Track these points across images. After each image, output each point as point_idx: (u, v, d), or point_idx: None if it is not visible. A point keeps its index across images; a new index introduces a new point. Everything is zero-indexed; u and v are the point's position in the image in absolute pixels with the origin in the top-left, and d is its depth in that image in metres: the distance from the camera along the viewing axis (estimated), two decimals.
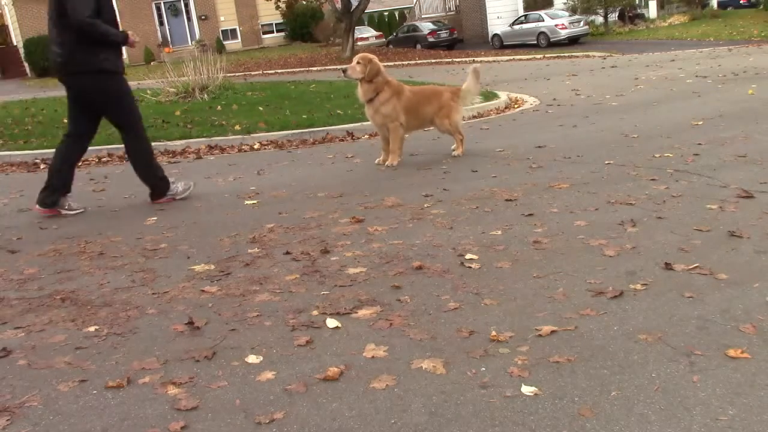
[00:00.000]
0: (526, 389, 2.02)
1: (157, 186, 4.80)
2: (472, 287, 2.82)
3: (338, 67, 21.57)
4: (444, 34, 29.30)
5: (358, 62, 5.44)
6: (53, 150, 7.28)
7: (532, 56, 21.50)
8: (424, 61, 22.46)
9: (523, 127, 7.31)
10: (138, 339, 2.53)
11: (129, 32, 4.52)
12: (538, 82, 12.46)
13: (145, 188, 4.81)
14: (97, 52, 4.35)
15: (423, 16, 34.25)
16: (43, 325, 2.71)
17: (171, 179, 4.88)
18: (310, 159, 6.33)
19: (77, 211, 4.64)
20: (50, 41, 4.40)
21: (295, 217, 4.13)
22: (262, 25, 34.44)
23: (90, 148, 7.19)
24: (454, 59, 22.27)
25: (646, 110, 7.57)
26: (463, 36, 30.56)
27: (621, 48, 21.35)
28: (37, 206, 4.56)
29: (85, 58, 4.34)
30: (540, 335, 2.35)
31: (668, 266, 2.87)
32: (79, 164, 5.02)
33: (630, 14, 29.63)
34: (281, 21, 33.75)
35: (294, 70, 21.44)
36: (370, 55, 5.55)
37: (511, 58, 21.69)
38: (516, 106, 9.40)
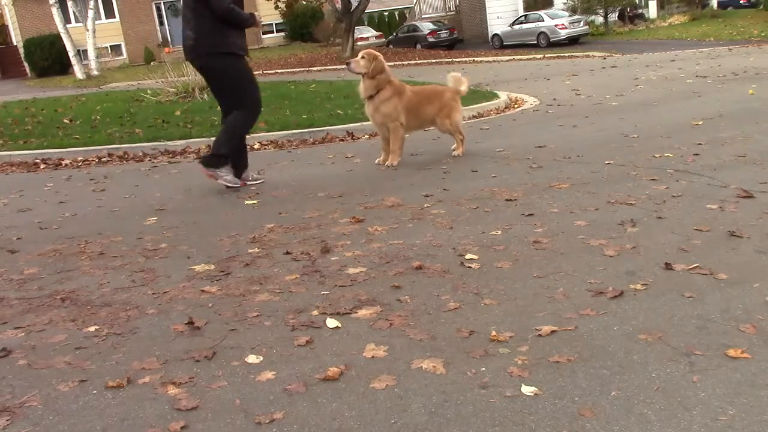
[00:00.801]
0: (526, 389, 2.02)
1: (213, 160, 4.98)
2: (472, 287, 2.82)
3: (338, 67, 21.61)
4: (444, 34, 29.31)
5: (362, 57, 5.42)
6: (53, 150, 7.29)
7: (532, 56, 21.50)
8: (424, 61, 22.47)
9: (523, 127, 7.32)
10: (138, 339, 2.53)
11: (255, 13, 4.95)
12: (538, 82, 12.46)
13: (146, 188, 4.81)
14: (227, 35, 4.76)
15: (423, 16, 34.25)
16: (43, 325, 2.71)
17: (228, 167, 5.02)
18: (310, 159, 6.33)
19: (259, 181, 5.21)
20: (184, 24, 4.85)
21: (295, 217, 4.13)
22: (262, 25, 34.42)
23: (90, 148, 7.28)
24: (454, 59, 22.27)
25: (646, 110, 7.58)
26: (463, 36, 30.56)
27: (621, 48, 21.36)
28: (204, 170, 5.04)
29: (214, 40, 4.75)
30: (540, 335, 2.35)
31: (668, 266, 2.87)
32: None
33: (630, 14, 29.64)
34: (281, 21, 33.76)
35: (294, 70, 21.46)
36: (376, 52, 5.53)
37: (511, 58, 21.69)
38: (516, 106, 9.40)
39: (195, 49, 4.82)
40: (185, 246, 3.68)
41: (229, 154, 5.01)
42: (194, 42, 4.80)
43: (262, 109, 5.20)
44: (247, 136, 5.27)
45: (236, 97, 4.95)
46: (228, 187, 5.01)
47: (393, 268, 3.11)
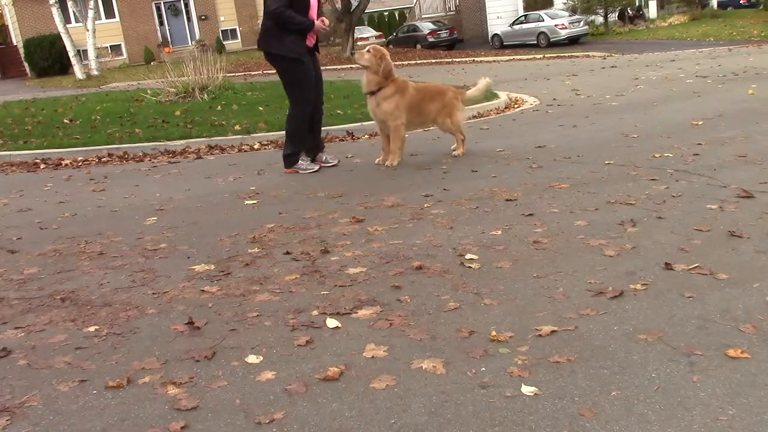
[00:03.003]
0: (526, 389, 2.02)
1: (286, 157, 5.55)
2: (472, 287, 2.82)
3: (338, 67, 21.61)
4: (444, 34, 29.31)
5: (368, 51, 5.40)
6: (53, 150, 7.29)
7: (532, 56, 21.50)
8: (424, 61, 22.47)
9: (523, 127, 7.31)
10: (138, 339, 2.53)
11: (318, 20, 5.24)
12: (538, 82, 12.46)
13: (145, 188, 4.81)
14: (283, 37, 5.16)
15: (423, 16, 34.26)
16: (43, 325, 2.71)
17: (303, 156, 5.56)
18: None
19: (333, 164, 5.69)
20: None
21: (295, 217, 4.13)
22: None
23: (90, 148, 7.28)
24: (454, 59, 22.26)
25: (646, 110, 7.57)
26: (463, 36, 30.57)
27: (621, 48, 21.37)
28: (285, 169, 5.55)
29: (269, 41, 5.24)
30: (540, 335, 2.35)
31: (668, 266, 2.87)
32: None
33: (630, 14, 29.64)
34: None
35: None
36: (384, 51, 5.47)
37: (511, 58, 21.69)
38: (516, 106, 9.39)
39: (261, 47, 5.37)
40: (185, 246, 3.68)
41: (295, 152, 5.49)
42: (258, 38, 5.40)
43: (311, 107, 5.48)
44: (323, 121, 5.76)
45: (287, 92, 5.42)
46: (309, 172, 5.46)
47: (393, 268, 3.11)
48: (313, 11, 5.25)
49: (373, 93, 5.42)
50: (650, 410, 1.88)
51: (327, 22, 5.31)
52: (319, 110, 5.60)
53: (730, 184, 4.08)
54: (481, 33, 30.41)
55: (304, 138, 5.52)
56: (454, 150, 5.80)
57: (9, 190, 5.65)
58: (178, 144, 7.33)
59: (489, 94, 9.87)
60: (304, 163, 5.53)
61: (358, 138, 7.38)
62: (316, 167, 5.53)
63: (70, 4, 25.17)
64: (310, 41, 5.34)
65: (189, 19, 33.45)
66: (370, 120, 8.01)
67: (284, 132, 5.59)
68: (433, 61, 22.19)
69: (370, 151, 6.40)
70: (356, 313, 2.64)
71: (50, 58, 28.48)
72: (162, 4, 32.99)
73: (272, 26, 5.16)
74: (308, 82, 5.32)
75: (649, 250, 3.10)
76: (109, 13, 31.69)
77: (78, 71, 23.93)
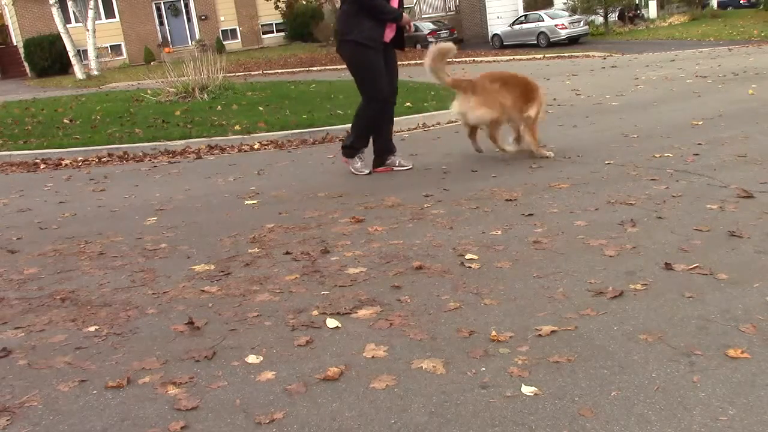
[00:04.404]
0: (526, 389, 2.02)
1: (346, 149, 5.27)
2: (472, 287, 2.82)
3: (338, 67, 21.57)
4: (444, 34, 29.29)
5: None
6: (53, 150, 7.28)
7: (532, 56, 21.50)
8: (424, 60, 22.40)
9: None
10: (138, 339, 2.53)
11: (406, 14, 5.06)
12: (538, 82, 12.44)
13: (145, 188, 4.81)
14: (360, 24, 4.89)
15: (423, 16, 34.24)
16: (43, 325, 2.71)
17: (360, 155, 5.28)
18: (310, 159, 6.32)
19: (407, 166, 5.33)
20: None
21: (295, 217, 4.13)
22: (262, 25, 34.43)
23: (90, 148, 7.28)
24: (454, 59, 22.23)
25: (646, 110, 7.57)
26: (463, 36, 30.55)
27: (621, 48, 21.36)
28: (374, 168, 5.32)
29: (346, 27, 4.97)
30: (540, 335, 2.35)
31: (668, 266, 2.87)
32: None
33: (630, 14, 29.64)
34: (281, 21, 33.74)
35: (294, 70, 21.44)
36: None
37: (511, 58, 21.69)
38: None
39: (337, 33, 5.24)
40: (185, 246, 3.68)
41: (359, 146, 5.21)
42: (336, 26, 5.24)
43: (386, 100, 5.19)
44: (393, 121, 5.41)
45: (358, 86, 5.13)
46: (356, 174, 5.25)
47: (393, 268, 3.11)
48: (395, 2, 5.01)
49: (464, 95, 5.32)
50: (650, 410, 1.88)
51: (410, 21, 5.17)
52: (390, 110, 5.30)
53: (730, 184, 4.08)
54: (481, 33, 30.40)
55: (367, 137, 5.24)
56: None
57: (9, 190, 5.65)
58: (178, 144, 7.33)
59: None
60: (358, 162, 5.27)
61: None
62: (367, 171, 5.25)
63: (70, 4, 25.17)
64: (389, 35, 5.06)
65: (189, 19, 33.45)
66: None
67: (353, 122, 5.27)
68: None
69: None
70: (356, 313, 2.64)
71: (50, 58, 28.49)
72: (162, 4, 32.99)
73: (353, 12, 4.90)
74: (381, 74, 5.04)
75: (649, 250, 3.10)
76: (109, 13, 31.69)
77: (78, 71, 23.94)
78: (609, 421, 1.85)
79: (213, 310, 2.77)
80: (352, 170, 5.26)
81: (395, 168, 5.33)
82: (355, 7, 4.88)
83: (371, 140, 5.30)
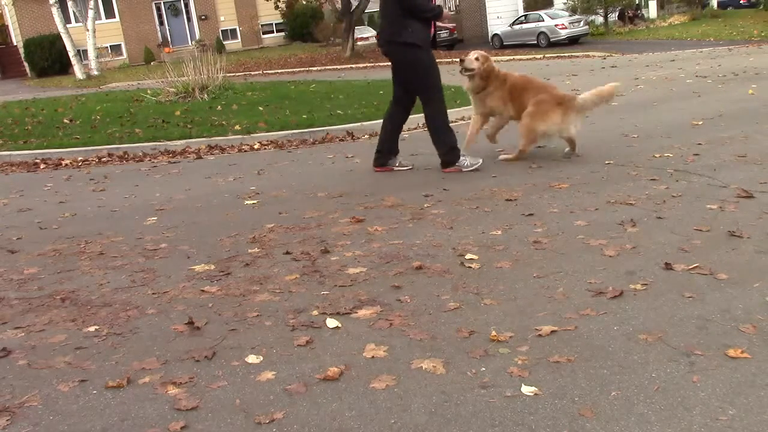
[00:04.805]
0: (526, 389, 2.02)
1: (447, 155, 5.13)
2: (472, 287, 2.82)
3: (338, 67, 21.59)
4: (444, 34, 29.27)
5: (476, 58, 5.27)
6: (53, 150, 7.29)
7: (532, 56, 21.49)
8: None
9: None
10: (138, 339, 2.53)
11: (445, 10, 5.07)
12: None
13: (145, 188, 4.81)
14: (407, 25, 4.89)
15: None
16: (43, 325, 2.71)
17: (463, 153, 5.16)
18: (310, 159, 6.32)
19: (407, 168, 5.33)
20: (380, 15, 5.21)
21: (295, 217, 4.13)
22: (262, 25, 34.44)
23: (90, 148, 7.28)
24: (454, 59, 22.22)
25: (646, 110, 7.57)
26: (463, 36, 30.54)
27: (621, 48, 21.35)
28: (374, 166, 5.37)
29: (396, 30, 4.94)
30: (540, 335, 2.35)
31: (668, 266, 2.87)
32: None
33: (630, 14, 29.63)
34: (281, 21, 33.75)
35: (294, 70, 21.44)
36: (486, 53, 5.41)
37: (511, 58, 21.68)
38: None
39: (381, 36, 5.18)
40: (185, 246, 3.68)
41: (453, 146, 5.09)
42: (381, 29, 5.18)
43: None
44: (404, 126, 5.42)
45: (414, 87, 5.11)
46: (471, 170, 5.09)
47: (393, 268, 3.11)
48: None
49: (478, 92, 5.35)
50: (650, 410, 1.88)
51: (449, 14, 5.14)
52: (403, 113, 5.29)
53: (730, 184, 4.08)
54: (481, 33, 30.39)
55: (450, 130, 5.11)
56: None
57: (9, 190, 5.65)
58: (178, 144, 7.33)
59: None
60: (466, 160, 5.11)
61: (358, 138, 7.38)
62: (480, 161, 5.11)
63: (70, 4, 25.17)
64: (430, 32, 5.08)
65: (189, 19, 33.45)
66: (369, 120, 8.05)
67: (431, 133, 5.15)
68: None
69: (370, 151, 6.38)
70: (356, 313, 2.64)
71: (50, 58, 28.48)
72: (162, 4, 32.98)
73: (397, 13, 4.89)
74: (437, 71, 5.05)
75: (649, 250, 3.10)
76: (109, 13, 31.68)
77: (78, 71, 23.94)
78: (609, 421, 1.85)
79: (213, 310, 2.77)
80: (467, 169, 5.07)
81: (395, 168, 5.35)
82: (398, 8, 4.87)
83: (383, 137, 5.33)
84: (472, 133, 5.54)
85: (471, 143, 5.52)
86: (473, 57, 5.30)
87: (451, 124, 5.20)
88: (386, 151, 5.34)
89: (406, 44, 4.92)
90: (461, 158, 5.11)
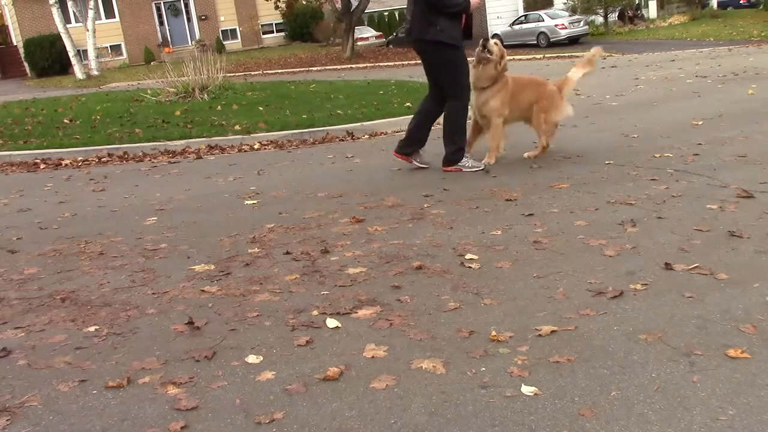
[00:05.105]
0: (526, 389, 2.02)
1: (453, 154, 5.11)
2: (472, 287, 2.82)
3: (338, 67, 21.60)
4: None
5: (496, 44, 5.17)
6: (53, 150, 7.30)
7: (532, 56, 21.50)
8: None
9: (523, 127, 7.30)
10: (138, 339, 2.53)
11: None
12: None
13: (145, 188, 4.81)
14: (434, 22, 4.83)
15: None
16: (43, 325, 2.71)
17: (467, 154, 5.17)
18: (310, 159, 6.32)
19: (425, 166, 5.25)
20: (407, 10, 5.16)
21: (295, 217, 4.13)
22: (262, 25, 34.45)
23: (90, 148, 7.28)
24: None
25: (646, 110, 7.57)
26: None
27: (621, 48, 21.35)
28: (395, 152, 5.30)
29: (423, 27, 4.88)
30: (540, 335, 2.35)
31: (668, 266, 2.87)
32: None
33: (630, 14, 29.64)
34: (281, 21, 33.77)
35: (294, 70, 21.45)
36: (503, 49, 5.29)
37: (511, 58, 21.53)
38: None
39: (409, 33, 5.08)
40: (185, 246, 3.68)
41: (461, 147, 5.11)
42: (409, 26, 5.07)
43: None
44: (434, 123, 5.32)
45: (445, 86, 5.04)
46: (472, 171, 5.08)
47: (393, 268, 3.11)
48: None
49: (484, 89, 5.21)
50: (650, 410, 1.88)
51: (477, 1, 4.99)
52: (443, 105, 5.15)
53: (730, 184, 4.08)
54: (481, 33, 30.36)
55: (465, 131, 5.13)
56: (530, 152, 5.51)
57: (9, 190, 5.65)
58: (178, 144, 7.33)
59: None
60: (469, 162, 5.12)
61: (358, 138, 7.38)
62: (482, 166, 5.11)
63: (70, 4, 25.18)
64: (461, 26, 5.01)
65: (189, 19, 33.46)
66: (369, 120, 8.06)
67: (447, 129, 5.08)
68: None
69: (370, 151, 6.40)
70: (356, 313, 2.64)
71: (50, 58, 28.49)
72: (162, 4, 33.00)
73: (425, 12, 4.83)
74: (467, 69, 5.02)
75: (649, 250, 3.10)
76: (109, 13, 31.70)
77: (78, 71, 23.95)
78: (609, 421, 1.85)
79: (213, 310, 2.77)
80: (467, 170, 5.06)
81: (414, 162, 5.26)
82: (422, 4, 4.82)
83: (412, 126, 5.25)
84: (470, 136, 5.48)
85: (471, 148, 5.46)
86: (494, 42, 5.22)
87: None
88: (414, 141, 5.23)
89: (434, 42, 4.86)
90: (464, 159, 5.11)
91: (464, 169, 5.08)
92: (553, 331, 2.36)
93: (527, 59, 20.53)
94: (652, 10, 31.08)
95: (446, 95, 5.06)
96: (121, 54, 31.87)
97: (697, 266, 2.85)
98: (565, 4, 28.05)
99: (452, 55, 4.92)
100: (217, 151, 7.08)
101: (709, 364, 2.09)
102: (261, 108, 9.47)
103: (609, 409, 1.90)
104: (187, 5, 33.28)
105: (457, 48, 4.92)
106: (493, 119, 5.25)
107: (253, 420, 1.96)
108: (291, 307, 2.74)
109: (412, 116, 5.38)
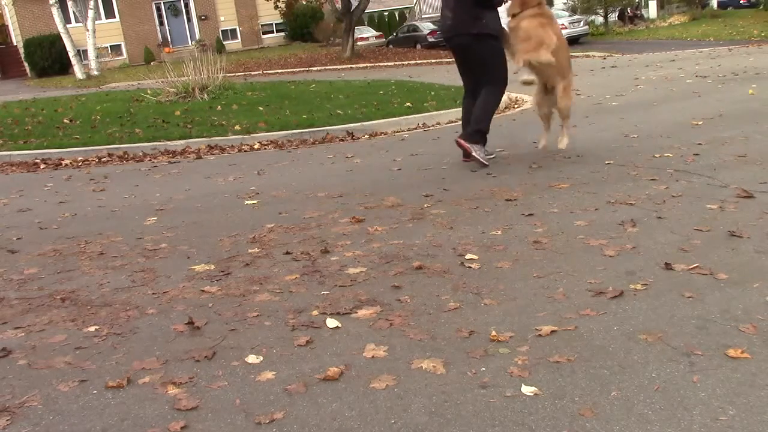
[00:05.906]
0: (526, 389, 2.02)
1: (473, 135, 5.18)
2: (472, 287, 2.82)
3: (338, 67, 21.60)
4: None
5: None
6: (53, 150, 7.30)
7: None
8: (424, 61, 22.45)
9: (523, 127, 7.31)
10: (138, 339, 2.53)
11: None
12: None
13: (146, 188, 4.81)
14: (480, 16, 4.99)
15: (423, 16, 34.25)
16: (43, 325, 2.71)
17: (481, 144, 5.21)
18: (310, 159, 6.33)
19: (491, 156, 5.33)
20: (443, 5, 5.23)
21: (295, 217, 4.14)
22: (262, 25, 34.43)
23: (90, 148, 7.29)
24: (449, 59, 22.21)
25: (646, 110, 7.57)
26: None
27: (621, 48, 21.36)
28: (461, 140, 5.25)
29: (469, 21, 5.03)
30: (540, 335, 2.35)
31: (668, 266, 2.87)
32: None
33: (630, 14, 29.65)
34: (281, 21, 33.74)
35: (294, 70, 21.44)
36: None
37: None
38: (516, 106, 9.40)
39: (453, 28, 5.14)
40: (185, 246, 3.68)
41: (486, 130, 5.18)
42: (452, 22, 5.14)
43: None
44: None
45: (487, 75, 5.16)
46: (478, 163, 5.15)
47: (393, 268, 3.11)
48: None
49: (514, 15, 5.14)
50: (650, 410, 1.88)
51: None
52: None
53: (730, 184, 4.08)
54: None
55: (492, 118, 5.24)
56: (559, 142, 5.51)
57: (9, 190, 5.65)
58: (178, 144, 7.34)
59: None
60: (481, 149, 5.20)
61: (358, 138, 7.39)
62: (492, 155, 5.25)
63: (70, 4, 25.18)
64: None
65: (189, 19, 33.44)
66: (369, 120, 8.06)
67: (477, 112, 5.16)
68: (433, 61, 22.16)
69: (370, 151, 6.41)
70: (356, 313, 2.64)
71: (50, 58, 28.47)
72: (162, 4, 32.98)
73: (467, 6, 4.99)
74: (506, 61, 5.18)
75: (649, 250, 3.10)
76: (109, 13, 31.68)
77: (78, 71, 23.94)
78: (609, 421, 1.85)
79: (213, 310, 2.77)
80: (477, 156, 5.12)
81: (474, 153, 5.16)
82: (466, 3, 4.97)
83: (465, 123, 5.37)
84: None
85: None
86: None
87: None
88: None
89: (481, 35, 5.02)
90: (479, 146, 5.16)
91: (473, 153, 5.14)
92: (553, 331, 2.36)
93: None
94: (652, 10, 31.10)
95: (485, 82, 5.19)
96: (121, 54, 31.86)
97: (697, 266, 2.85)
98: (565, 4, 28.06)
99: (495, 45, 5.12)
100: (217, 151, 7.09)
101: (709, 364, 2.09)
102: (261, 108, 9.47)
103: (609, 409, 1.90)
104: (187, 5, 33.26)
105: (498, 39, 5.12)
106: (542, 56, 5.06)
107: (253, 420, 1.96)
108: (291, 307, 2.74)
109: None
